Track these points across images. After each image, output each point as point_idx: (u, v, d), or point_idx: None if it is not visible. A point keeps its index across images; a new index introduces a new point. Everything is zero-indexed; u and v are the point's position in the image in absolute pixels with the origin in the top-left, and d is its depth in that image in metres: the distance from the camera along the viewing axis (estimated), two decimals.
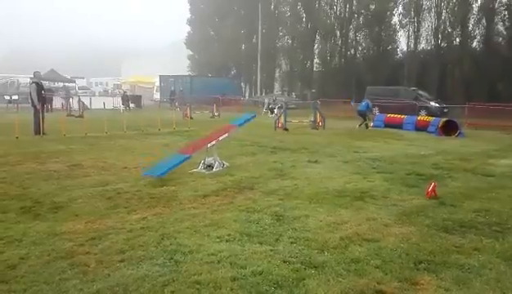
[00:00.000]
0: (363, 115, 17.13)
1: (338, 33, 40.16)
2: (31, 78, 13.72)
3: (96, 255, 3.54)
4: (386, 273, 3.31)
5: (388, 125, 17.33)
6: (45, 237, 3.94)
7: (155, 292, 2.93)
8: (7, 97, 31.59)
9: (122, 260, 3.43)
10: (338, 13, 40.52)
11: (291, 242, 3.90)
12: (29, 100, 13.29)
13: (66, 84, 35.48)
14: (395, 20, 36.57)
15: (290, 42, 44.32)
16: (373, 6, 36.63)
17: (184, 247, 3.74)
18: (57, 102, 26.78)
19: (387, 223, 4.57)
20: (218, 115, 22.54)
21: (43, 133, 12.25)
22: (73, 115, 20.48)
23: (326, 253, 3.67)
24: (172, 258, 3.48)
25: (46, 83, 35.57)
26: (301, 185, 6.29)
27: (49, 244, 3.76)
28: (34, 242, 3.80)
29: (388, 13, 36.45)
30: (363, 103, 18.02)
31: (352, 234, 4.16)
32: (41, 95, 13.04)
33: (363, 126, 16.84)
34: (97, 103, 26.94)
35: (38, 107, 12.74)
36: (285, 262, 3.44)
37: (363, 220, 4.63)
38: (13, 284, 3.01)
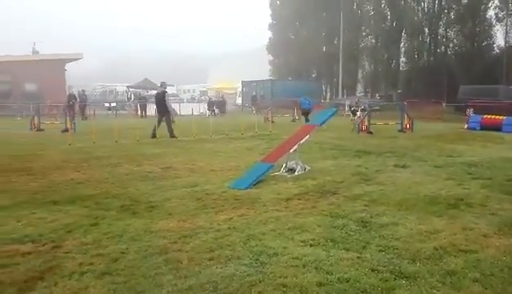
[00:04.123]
0: (307, 113, 18.67)
1: (426, 30, 37.98)
2: (160, 87, 15.07)
3: (188, 252, 3.74)
4: (486, 288, 3.04)
5: (485, 127, 15.94)
6: (142, 233, 4.26)
7: (243, 292, 3.01)
8: (107, 104, 34.75)
9: (211, 259, 3.58)
10: (426, 9, 38.30)
11: (379, 250, 3.75)
12: (157, 107, 14.49)
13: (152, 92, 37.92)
14: (490, 13, 33.69)
15: (374, 41, 42.85)
16: (465, 0, 34.06)
17: (269, 248, 3.79)
18: (151, 109, 28.73)
19: (486, 233, 4.20)
20: (299, 118, 22.53)
21: (155, 136, 13.36)
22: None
23: (418, 263, 3.48)
24: (258, 259, 3.55)
25: (140, 91, 38.58)
26: (388, 191, 6.04)
27: (146, 240, 4.06)
28: (133, 238, 4.12)
29: (483, 7, 33.63)
30: (306, 101, 19.54)
31: (447, 244, 3.88)
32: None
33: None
34: (186, 109, 28.44)
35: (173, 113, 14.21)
36: (373, 271, 3.33)
37: (459, 230, 4.31)
38: (115, 276, 3.28)
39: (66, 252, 3.77)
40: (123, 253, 3.73)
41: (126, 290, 3.04)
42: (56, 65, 36.24)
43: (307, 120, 17.88)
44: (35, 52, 39.13)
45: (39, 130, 17.28)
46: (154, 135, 13.39)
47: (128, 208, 5.23)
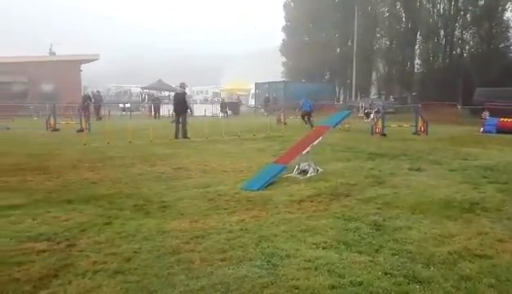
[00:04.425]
0: (307, 115, 18.63)
1: (441, 31, 37.48)
2: (179, 88, 15.23)
3: (200, 253, 3.75)
4: None
5: (502, 130, 15.66)
6: (155, 233, 4.28)
7: (255, 293, 3.01)
8: (121, 105, 35.12)
9: (223, 259, 3.59)
10: (441, 11, 37.83)
11: (392, 254, 3.71)
12: (176, 108, 14.77)
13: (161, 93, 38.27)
14: (508, 15, 33.15)
15: (388, 43, 42.49)
16: (482, 2, 33.59)
17: (281, 250, 3.78)
18: (164, 110, 28.98)
19: (501, 238, 4.13)
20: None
21: (177, 137, 13.68)
22: (174, 121, 22.02)
23: (432, 268, 3.43)
24: (270, 261, 3.55)
25: (154, 92, 38.92)
26: (402, 194, 5.97)
27: (158, 240, 4.08)
28: (146, 238, 4.15)
29: (500, 8, 33.09)
30: (308, 103, 19.05)
31: (462, 249, 3.82)
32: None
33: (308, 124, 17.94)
34: (198, 110, 28.61)
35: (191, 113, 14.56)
36: (386, 274, 3.29)
37: (474, 234, 4.24)
38: (128, 275, 3.31)
39: (80, 251, 3.81)
40: (136, 252, 3.76)
41: (139, 289, 3.06)
42: (72, 66, 36.79)
43: (306, 122, 18.49)
44: (52, 53, 39.79)
45: (55, 130, 17.56)
46: (178, 136, 13.57)
47: (141, 208, 5.27)
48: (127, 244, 3.98)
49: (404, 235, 4.21)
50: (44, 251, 3.79)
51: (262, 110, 33.23)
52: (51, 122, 18.20)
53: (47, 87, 35.16)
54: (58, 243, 4.01)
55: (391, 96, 41.05)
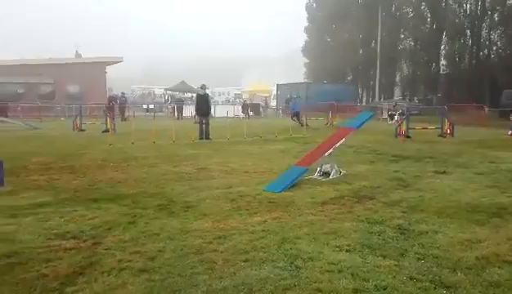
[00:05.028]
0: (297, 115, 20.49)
1: (468, 32, 36.61)
2: (201, 89, 15.44)
3: (223, 253, 3.77)
4: None
5: None
6: (178, 233, 4.33)
7: None
8: (145, 106, 35.67)
9: (246, 260, 3.59)
10: (468, 11, 36.95)
11: (418, 259, 3.64)
12: (199, 109, 14.93)
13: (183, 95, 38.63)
14: None
15: (413, 44, 41.80)
16: (510, 2, 32.63)
17: (304, 253, 3.76)
18: (187, 111, 29.29)
19: None
20: (333, 122, 22.26)
21: (201, 138, 13.85)
22: (196, 122, 22.21)
23: (459, 273, 3.34)
24: (292, 263, 3.53)
25: (177, 94, 39.39)
26: (427, 197, 5.85)
27: (182, 240, 4.12)
28: (169, 237, 4.20)
29: None
30: (297, 105, 21.62)
31: (490, 255, 3.71)
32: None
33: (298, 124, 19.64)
34: (220, 111, 28.76)
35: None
36: (411, 279, 3.23)
37: (502, 240, 4.11)
38: (152, 274, 3.35)
39: (106, 249, 3.88)
40: (160, 251, 3.81)
41: (162, 288, 3.09)
42: (98, 68, 37.63)
43: (296, 121, 20.40)
44: (78, 55, 40.77)
45: (81, 130, 17.97)
46: (202, 137, 13.79)
47: (164, 208, 5.33)
48: (151, 243, 4.03)
49: (430, 239, 4.13)
50: (71, 249, 3.88)
51: (280, 112, 33.19)
52: (78, 122, 18.65)
53: (73, 89, 36.09)
54: (84, 241, 4.10)
55: (415, 98, 40.32)
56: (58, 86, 35.65)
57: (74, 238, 4.19)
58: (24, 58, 37.61)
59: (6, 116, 25.00)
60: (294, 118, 20.77)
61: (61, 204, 5.49)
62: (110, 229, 4.47)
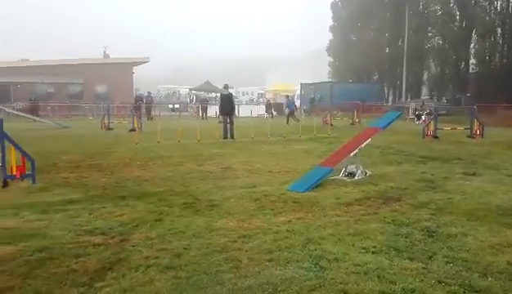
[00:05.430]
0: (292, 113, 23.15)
1: (499, 30, 35.48)
2: (224, 89, 15.59)
3: (247, 252, 3.78)
4: None
5: None
6: (203, 231, 4.37)
7: None
8: (170, 106, 36.17)
9: (270, 260, 3.59)
10: (499, 8, 35.81)
11: (446, 262, 3.55)
12: (223, 108, 14.95)
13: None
14: None
15: (441, 42, 40.82)
16: None
17: (329, 253, 3.73)
18: (211, 110, 29.55)
19: None
20: (359, 122, 22.01)
21: (225, 137, 13.98)
22: (221, 121, 22.38)
23: (490, 278, 3.24)
24: (317, 263, 3.51)
25: (202, 93, 39.77)
26: (456, 200, 5.70)
27: (207, 238, 4.16)
28: (195, 235, 4.24)
29: None
30: (292, 105, 24.60)
31: None
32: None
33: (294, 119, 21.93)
34: (244, 111, 28.88)
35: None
36: (440, 283, 3.16)
37: None
38: (179, 271, 3.39)
39: (133, 246, 3.96)
40: (185, 249, 3.85)
41: (189, 285, 3.13)
42: (125, 68, 38.46)
43: (293, 118, 22.62)
44: (106, 56, 41.73)
45: (108, 129, 18.39)
46: (227, 136, 13.87)
47: (189, 206, 5.39)
48: (177, 241, 4.09)
49: (459, 243, 4.02)
50: (100, 245, 3.97)
51: (302, 112, 33.01)
52: (105, 121, 19.08)
53: (101, 88, 36.97)
54: (112, 238, 4.19)
55: (443, 97, 39.39)
56: (87, 85, 36.61)
57: (103, 234, 4.29)
58: (55, 58, 38.75)
59: (38, 115, 25.85)
60: (293, 117, 22.58)
61: (90, 201, 5.63)
62: (137, 226, 4.55)
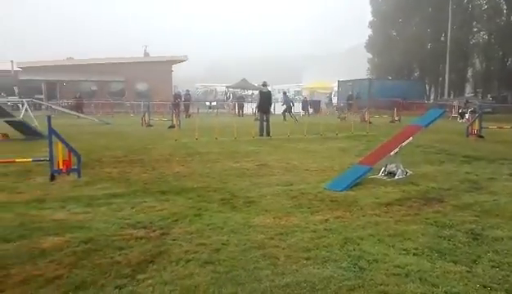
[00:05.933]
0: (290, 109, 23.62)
1: None
2: (263, 86, 15.72)
3: (285, 249, 3.79)
4: None
5: None
6: (241, 227, 4.41)
7: None
8: (208, 103, 36.69)
9: (308, 258, 3.58)
10: None
11: (492, 266, 3.41)
12: (262, 106, 14.93)
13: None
14: None
15: (487, 37, 39.03)
16: None
17: (368, 254, 3.67)
18: (247, 107, 29.68)
19: None
20: (399, 120, 21.46)
21: (262, 135, 14.08)
22: (257, 119, 22.47)
23: None
24: (356, 264, 3.46)
25: (238, 91, 40.10)
26: (502, 202, 5.46)
27: (244, 234, 4.20)
28: (233, 231, 4.29)
29: None
30: (289, 102, 24.77)
31: None
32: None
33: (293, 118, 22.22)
34: (280, 108, 28.81)
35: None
36: (485, 287, 3.04)
37: None
38: (217, 266, 3.45)
39: (173, 240, 4.06)
40: (224, 244, 3.91)
41: (227, 280, 3.18)
42: (164, 67, 39.32)
43: (291, 116, 22.85)
44: (146, 54, 42.82)
45: (149, 126, 18.90)
46: (263, 134, 13.95)
47: (227, 202, 5.46)
48: (215, 236, 4.15)
49: (505, 246, 3.85)
50: (141, 238, 4.10)
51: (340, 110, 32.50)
52: (146, 118, 19.61)
53: (141, 86, 38.02)
54: (153, 231, 4.31)
55: (489, 95, 37.66)
56: (128, 83, 37.74)
57: (145, 227, 4.42)
58: (97, 57, 40.21)
59: (82, 112, 26.95)
60: (291, 114, 23.11)
61: (133, 195, 5.82)
62: (177, 220, 4.66)
